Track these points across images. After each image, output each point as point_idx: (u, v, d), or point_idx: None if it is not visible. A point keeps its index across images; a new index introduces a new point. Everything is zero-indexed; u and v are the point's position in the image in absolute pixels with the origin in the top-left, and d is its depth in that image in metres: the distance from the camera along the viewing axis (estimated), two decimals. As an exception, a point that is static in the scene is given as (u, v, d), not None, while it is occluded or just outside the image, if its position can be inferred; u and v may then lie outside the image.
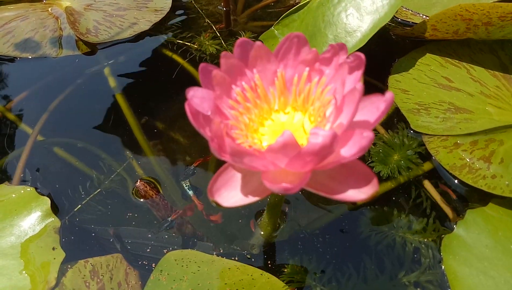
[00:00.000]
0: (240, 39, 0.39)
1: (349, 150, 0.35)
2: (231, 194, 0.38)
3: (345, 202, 0.60)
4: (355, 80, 0.38)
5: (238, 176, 0.39)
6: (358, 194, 0.36)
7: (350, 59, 0.38)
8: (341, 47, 0.39)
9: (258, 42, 0.39)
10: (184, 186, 0.59)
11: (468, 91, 0.73)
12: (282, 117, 0.42)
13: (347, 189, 0.36)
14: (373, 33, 0.72)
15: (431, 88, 0.75)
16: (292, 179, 0.37)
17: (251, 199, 0.37)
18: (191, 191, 0.58)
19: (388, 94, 0.35)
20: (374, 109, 0.37)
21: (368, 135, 0.33)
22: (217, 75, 0.38)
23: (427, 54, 0.80)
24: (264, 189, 0.38)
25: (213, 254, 0.57)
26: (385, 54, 0.85)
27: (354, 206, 0.62)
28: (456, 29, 0.76)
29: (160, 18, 0.92)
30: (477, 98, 0.72)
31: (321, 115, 0.39)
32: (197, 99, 0.37)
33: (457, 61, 0.79)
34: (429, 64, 0.79)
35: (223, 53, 0.38)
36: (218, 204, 0.36)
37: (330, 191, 0.37)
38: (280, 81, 0.41)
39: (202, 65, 0.38)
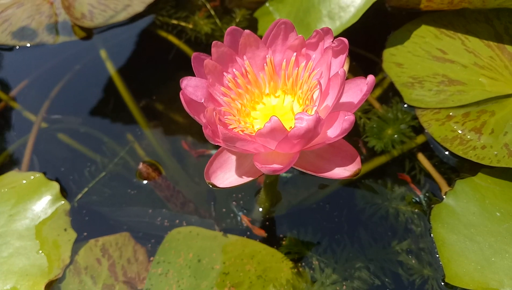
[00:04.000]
0: (230, 28, 0.41)
1: (333, 132, 0.37)
2: (226, 175, 0.40)
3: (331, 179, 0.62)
4: (340, 63, 0.40)
5: (233, 158, 0.42)
6: (343, 172, 0.38)
7: (335, 43, 0.39)
8: (326, 32, 0.40)
9: (246, 30, 0.41)
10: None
11: (462, 63, 0.74)
12: (273, 100, 0.44)
13: (334, 167, 0.39)
14: (367, 8, 0.72)
15: (426, 61, 0.76)
16: (282, 160, 0.39)
17: (245, 179, 0.40)
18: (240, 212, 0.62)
19: (369, 78, 0.37)
20: (358, 91, 0.39)
21: (349, 118, 0.35)
22: (209, 64, 0.40)
23: (422, 25, 0.80)
24: (257, 170, 0.41)
25: (215, 230, 0.60)
26: (381, 26, 0.85)
27: (350, 180, 0.65)
28: (451, -1, 0.76)
29: (154, -1, 0.92)
30: (471, 69, 0.73)
31: (309, 98, 0.40)
32: (191, 88, 0.39)
33: (452, 32, 0.78)
34: (424, 36, 0.79)
35: (213, 43, 0.40)
36: (214, 186, 0.39)
37: (317, 170, 0.39)
38: (270, 66, 0.42)
39: (194, 54, 0.40)
